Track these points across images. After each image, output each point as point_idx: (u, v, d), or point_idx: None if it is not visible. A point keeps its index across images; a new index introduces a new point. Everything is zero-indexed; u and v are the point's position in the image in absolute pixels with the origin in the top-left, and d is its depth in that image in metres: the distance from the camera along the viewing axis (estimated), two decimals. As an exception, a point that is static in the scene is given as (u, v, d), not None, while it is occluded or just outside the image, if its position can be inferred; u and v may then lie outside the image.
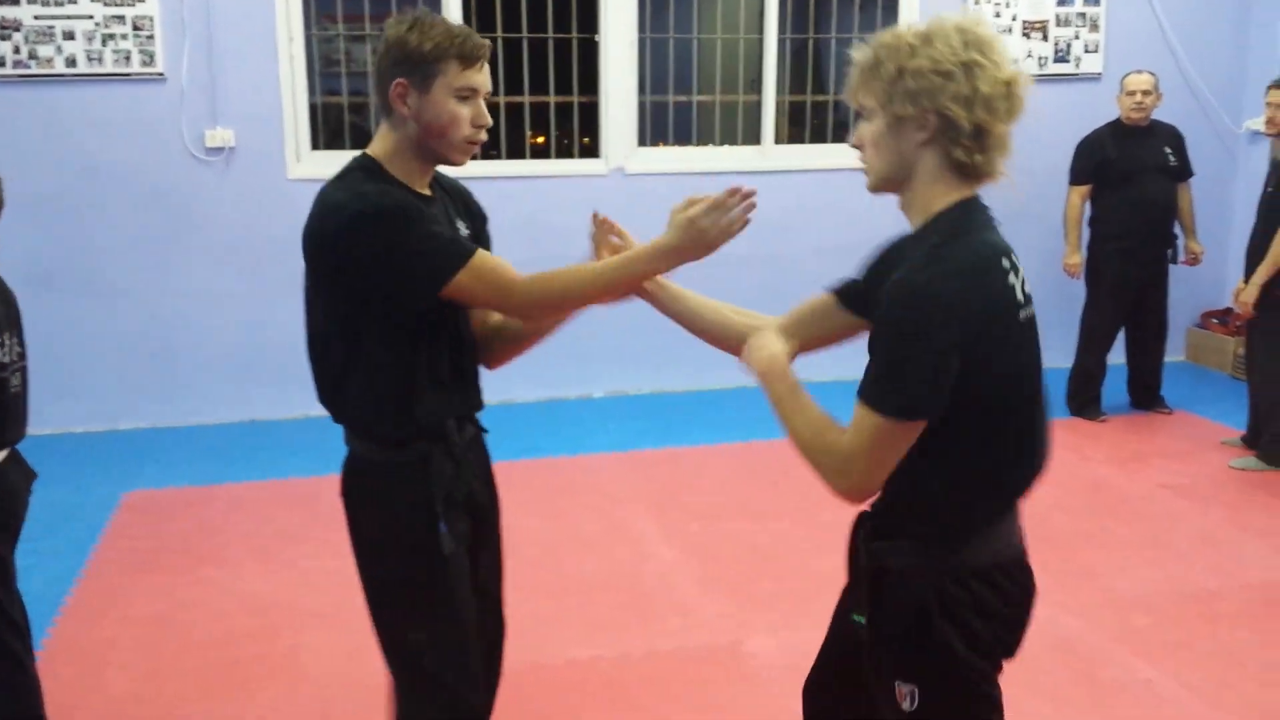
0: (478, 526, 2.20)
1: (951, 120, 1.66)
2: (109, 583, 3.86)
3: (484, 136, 2.06)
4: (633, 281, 2.04)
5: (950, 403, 1.64)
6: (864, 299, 1.87)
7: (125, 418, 5.52)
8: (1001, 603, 1.76)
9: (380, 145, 2.05)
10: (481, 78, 2.00)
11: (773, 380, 1.83)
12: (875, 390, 1.64)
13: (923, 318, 1.60)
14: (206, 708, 3.09)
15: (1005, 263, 1.68)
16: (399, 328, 2.01)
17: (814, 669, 2.06)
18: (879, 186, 1.78)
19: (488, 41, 2.03)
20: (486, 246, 2.17)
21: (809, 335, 1.95)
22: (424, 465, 2.07)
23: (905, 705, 1.76)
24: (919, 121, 1.67)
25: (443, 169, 2.13)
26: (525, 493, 4.57)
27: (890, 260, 1.83)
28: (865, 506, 1.83)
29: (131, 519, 4.42)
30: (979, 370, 1.63)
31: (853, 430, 1.67)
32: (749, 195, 1.97)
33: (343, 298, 2.00)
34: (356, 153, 2.07)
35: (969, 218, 1.71)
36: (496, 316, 2.22)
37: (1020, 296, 1.69)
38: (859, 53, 1.75)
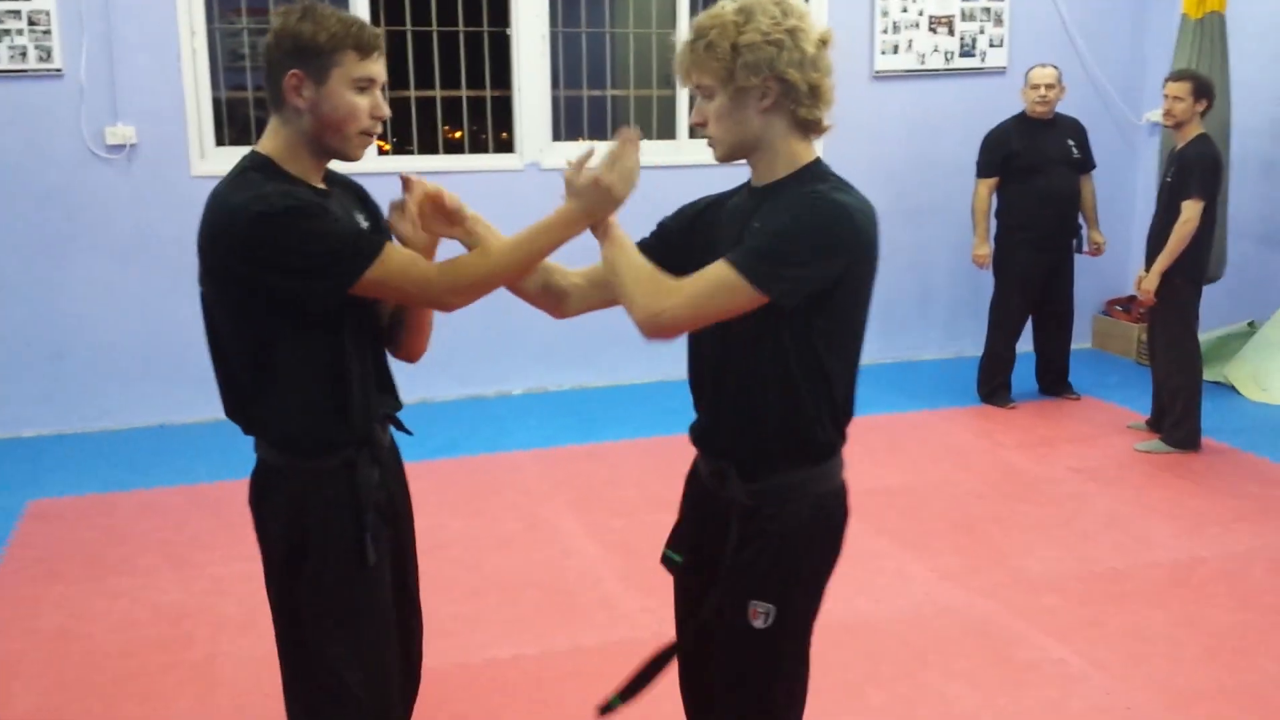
0: (396, 533, 2.16)
1: (790, 84, 1.81)
2: (14, 595, 3.73)
3: (379, 129, 2.01)
4: (544, 254, 1.99)
5: (827, 327, 1.85)
6: (672, 252, 1.98)
7: (26, 424, 5.35)
8: (845, 518, 1.98)
9: (272, 141, 1.97)
10: (378, 68, 1.95)
11: (615, 226, 1.93)
12: (748, 258, 1.79)
13: (832, 227, 1.79)
14: (118, 720, 3.01)
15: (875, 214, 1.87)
16: (316, 329, 1.94)
17: (681, 668, 2.19)
18: (730, 156, 1.91)
19: (381, 31, 1.98)
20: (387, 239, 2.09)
21: (607, 291, 2.03)
22: (349, 472, 2.00)
23: (758, 624, 1.91)
24: (761, 90, 1.82)
25: (337, 165, 2.05)
26: (445, 492, 4.53)
27: (720, 216, 1.98)
28: (709, 448, 2.03)
29: (36, 528, 4.29)
30: (852, 297, 1.86)
31: (698, 277, 1.82)
32: (635, 136, 1.93)
33: (250, 302, 1.92)
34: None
35: (836, 174, 1.90)
36: (393, 306, 2.16)
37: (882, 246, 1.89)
38: (686, 36, 1.87)
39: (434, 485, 4.56)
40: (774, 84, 1.81)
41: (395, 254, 1.92)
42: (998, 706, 3.05)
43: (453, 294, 1.97)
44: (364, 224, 2.08)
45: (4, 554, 4.05)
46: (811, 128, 1.87)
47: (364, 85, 1.93)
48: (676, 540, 2.14)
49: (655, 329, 1.84)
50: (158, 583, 3.81)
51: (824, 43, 1.85)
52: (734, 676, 1.97)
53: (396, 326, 2.19)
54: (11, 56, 5.06)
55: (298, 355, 1.95)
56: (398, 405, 2.18)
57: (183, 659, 3.31)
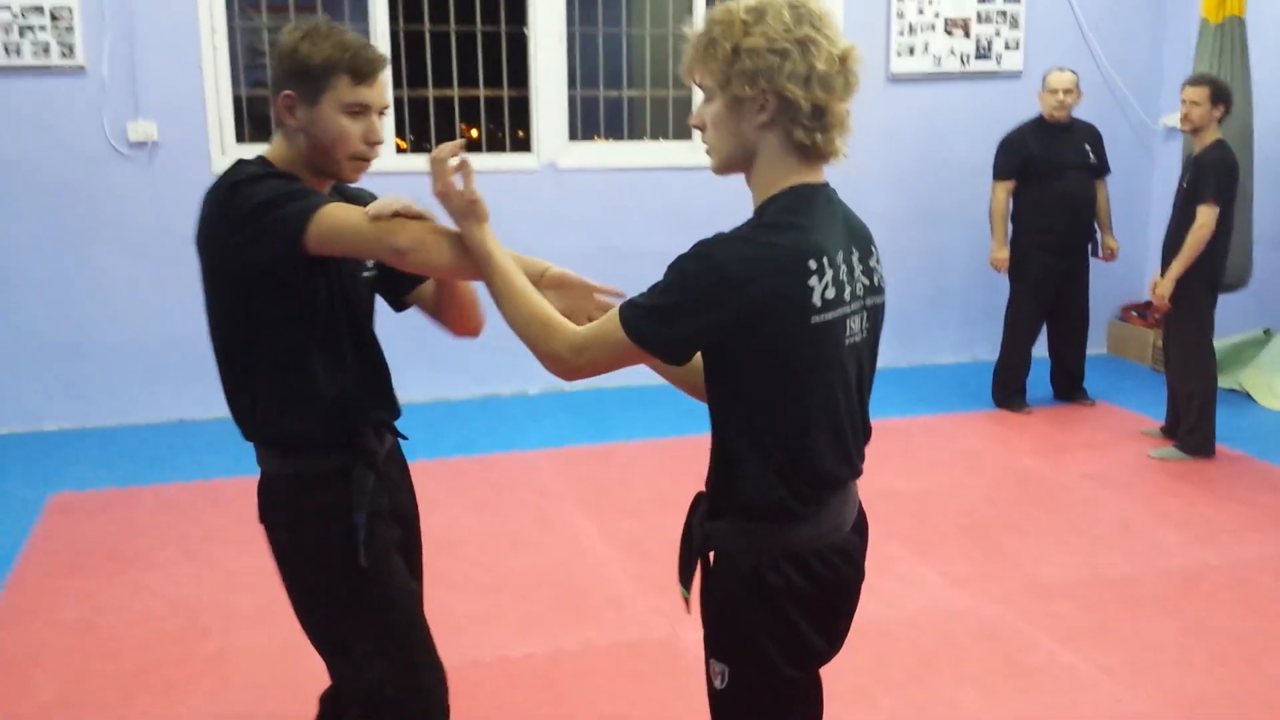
0: (406, 536, 2.17)
1: (790, 101, 1.64)
2: (37, 586, 3.78)
3: (377, 153, 2.01)
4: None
5: (745, 384, 1.68)
6: None
7: (48, 418, 5.41)
8: (815, 589, 1.75)
9: (275, 152, 2.00)
10: (374, 93, 1.95)
11: (496, 251, 1.82)
12: (633, 312, 1.67)
13: (701, 277, 1.61)
14: (136, 711, 3.04)
15: (813, 264, 1.63)
16: (291, 324, 1.96)
17: None
18: (723, 168, 1.76)
19: (384, 55, 1.98)
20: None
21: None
22: (343, 478, 2.02)
23: (717, 684, 1.80)
24: (758, 102, 1.65)
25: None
26: (460, 490, 4.56)
27: None
28: (703, 487, 1.84)
29: (57, 521, 4.34)
30: (758, 356, 1.65)
31: (599, 326, 1.71)
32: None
33: (233, 291, 1.95)
34: None
35: (799, 208, 1.68)
36: (430, 285, 2.17)
37: (818, 300, 1.64)
38: (693, 30, 1.72)
39: (449, 483, 4.60)
40: (772, 98, 1.64)
41: (338, 211, 1.86)
42: (1006, 711, 3.06)
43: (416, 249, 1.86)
44: None
45: (26, 547, 4.10)
46: (810, 153, 1.68)
47: (356, 110, 1.93)
48: (682, 574, 1.94)
49: (560, 373, 1.76)
50: (174, 577, 3.85)
51: (843, 60, 1.65)
52: None
53: (442, 304, 2.19)
54: (35, 52, 5.11)
55: (274, 349, 1.97)
56: (395, 413, 2.18)
57: (198, 651, 3.35)
